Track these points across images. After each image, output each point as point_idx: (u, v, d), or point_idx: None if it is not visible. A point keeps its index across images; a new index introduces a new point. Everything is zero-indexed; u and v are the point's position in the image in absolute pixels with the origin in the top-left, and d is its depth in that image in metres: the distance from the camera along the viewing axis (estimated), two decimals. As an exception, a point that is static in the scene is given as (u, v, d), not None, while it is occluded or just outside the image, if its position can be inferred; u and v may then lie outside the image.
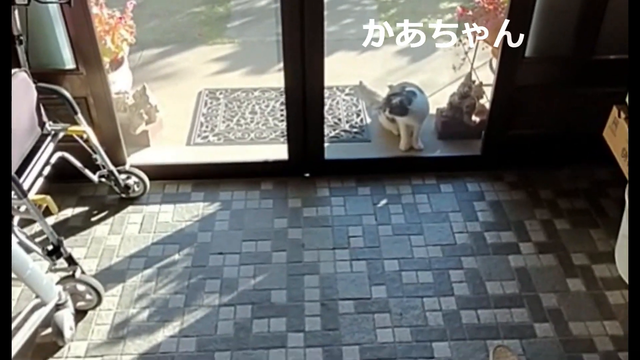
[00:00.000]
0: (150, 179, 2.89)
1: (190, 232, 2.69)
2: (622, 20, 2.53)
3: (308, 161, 2.95)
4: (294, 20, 2.53)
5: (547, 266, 2.51)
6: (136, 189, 2.84)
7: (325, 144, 3.13)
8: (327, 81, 3.68)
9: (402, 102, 2.93)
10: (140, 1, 4.80)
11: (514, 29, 2.54)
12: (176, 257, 2.58)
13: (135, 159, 3.03)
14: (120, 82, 3.31)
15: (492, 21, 3.04)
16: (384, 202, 2.83)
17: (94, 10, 3.02)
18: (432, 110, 3.26)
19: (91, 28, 2.52)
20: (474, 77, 3.19)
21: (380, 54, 4.08)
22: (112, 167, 2.67)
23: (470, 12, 3.16)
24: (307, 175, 2.98)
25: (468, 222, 2.71)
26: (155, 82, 3.80)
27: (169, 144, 3.25)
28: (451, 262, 2.53)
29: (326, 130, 3.28)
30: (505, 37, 2.56)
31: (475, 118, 3.12)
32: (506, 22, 2.53)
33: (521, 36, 2.55)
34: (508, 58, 2.63)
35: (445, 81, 3.67)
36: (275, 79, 3.62)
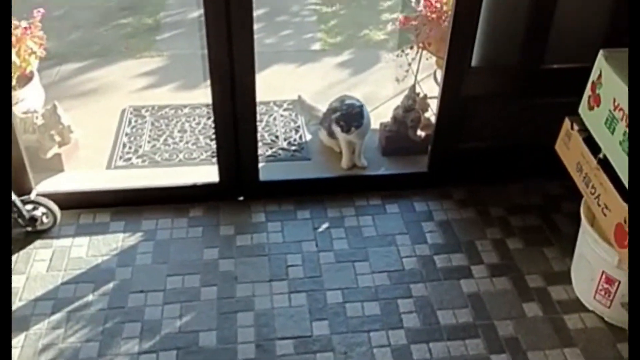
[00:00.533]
0: (63, 208, 2.57)
1: (108, 268, 2.37)
2: (570, 29, 2.42)
3: (242, 183, 2.68)
4: (220, 32, 2.28)
5: (502, 290, 2.32)
6: (44, 220, 2.50)
7: (261, 164, 2.88)
8: (264, 96, 3.50)
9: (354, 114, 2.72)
10: (61, 12, 4.50)
11: (458, 38, 2.37)
12: (90, 297, 2.26)
13: (45, 186, 2.70)
14: (30, 99, 2.96)
15: (436, 30, 2.86)
16: (325, 226, 2.59)
17: (-5, 19, 2.68)
18: (375, 125, 3.07)
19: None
20: (418, 90, 3.01)
21: (320, 66, 3.87)
22: (13, 197, 2.33)
23: (413, 22, 2.99)
24: (241, 198, 2.71)
25: (416, 244, 2.50)
26: (75, 99, 3.47)
27: (86, 168, 2.92)
28: (399, 290, 2.31)
29: (262, 149, 3.04)
30: (450, 46, 2.39)
31: (421, 132, 2.93)
32: (450, 31, 2.35)
33: (466, 46, 2.38)
34: (453, 68, 2.46)
35: (389, 94, 3.48)
36: (207, 94, 3.34)
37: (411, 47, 3.01)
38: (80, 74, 3.74)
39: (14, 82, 2.89)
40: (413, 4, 3.04)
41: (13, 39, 2.78)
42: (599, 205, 1.92)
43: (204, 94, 3.41)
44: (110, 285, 2.30)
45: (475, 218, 2.64)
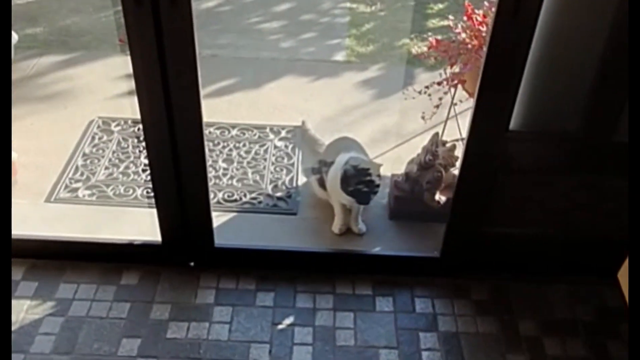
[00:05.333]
0: (-30, 254, 2.04)
1: (-5, 352, 1.82)
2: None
3: (191, 246, 2.07)
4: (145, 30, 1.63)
5: None
6: (-62, 272, 1.98)
7: (229, 216, 2.29)
8: (262, 118, 2.88)
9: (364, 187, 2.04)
10: (63, -7, 3.98)
11: (492, 88, 1.64)
12: (-41, 395, 1.71)
13: (-41, 220, 2.18)
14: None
15: (473, 63, 2.12)
16: (288, 321, 1.94)
17: None
18: (388, 171, 2.39)
19: None
20: (445, 137, 2.29)
21: (339, 83, 3.18)
22: None
23: (447, 47, 2.25)
24: (192, 264, 2.10)
25: (406, 368, 1.82)
26: (40, 102, 2.94)
27: (22, 198, 2.38)
28: None
29: (240, 192, 2.42)
30: (479, 98, 1.66)
31: (441, 197, 2.22)
32: (481, 74, 1.63)
33: (504, 100, 1.66)
34: (483, 129, 1.73)
35: (417, 129, 2.76)
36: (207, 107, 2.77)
37: (439, 83, 2.28)
38: (59, 69, 3.21)
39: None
40: (450, 23, 2.29)
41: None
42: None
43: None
44: (-11, 379, 1.75)
45: (496, 334, 1.91)
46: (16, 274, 2.06)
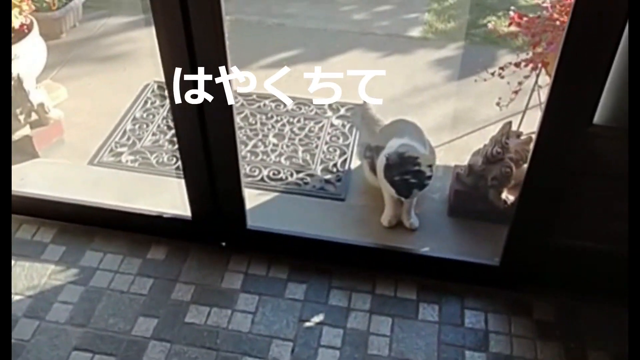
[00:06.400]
0: (5, 212, 2.00)
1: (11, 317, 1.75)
2: None
3: (222, 225, 1.91)
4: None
5: None
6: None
7: (273, 194, 2.11)
8: (322, 92, 2.66)
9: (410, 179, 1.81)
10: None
11: (575, 68, 1.35)
12: (-30, 357, 1.66)
13: None
14: (24, 58, 2.39)
15: (558, 44, 1.80)
16: (317, 319, 1.74)
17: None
18: (452, 161, 2.13)
19: None
20: (522, 128, 1.99)
21: (412, 61, 2.91)
22: None
23: (530, 24, 1.93)
24: (224, 244, 1.95)
25: (443, 391, 1.58)
26: (101, 63, 2.88)
27: (66, 158, 2.33)
28: None
29: (286, 172, 2.23)
30: (555, 83, 1.37)
31: (509, 196, 1.93)
32: (559, 55, 1.34)
33: (588, 88, 1.36)
34: (559, 121, 1.44)
35: (491, 116, 2.46)
36: (263, 77, 2.59)
37: (517, 64, 1.97)
38: (124, 30, 3.14)
39: None
40: (539, 0, 1.97)
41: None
42: None
43: (264, 77, 2.60)
44: (1, 344, 1.68)
45: (557, 363, 1.64)
46: (46, 236, 1.99)
